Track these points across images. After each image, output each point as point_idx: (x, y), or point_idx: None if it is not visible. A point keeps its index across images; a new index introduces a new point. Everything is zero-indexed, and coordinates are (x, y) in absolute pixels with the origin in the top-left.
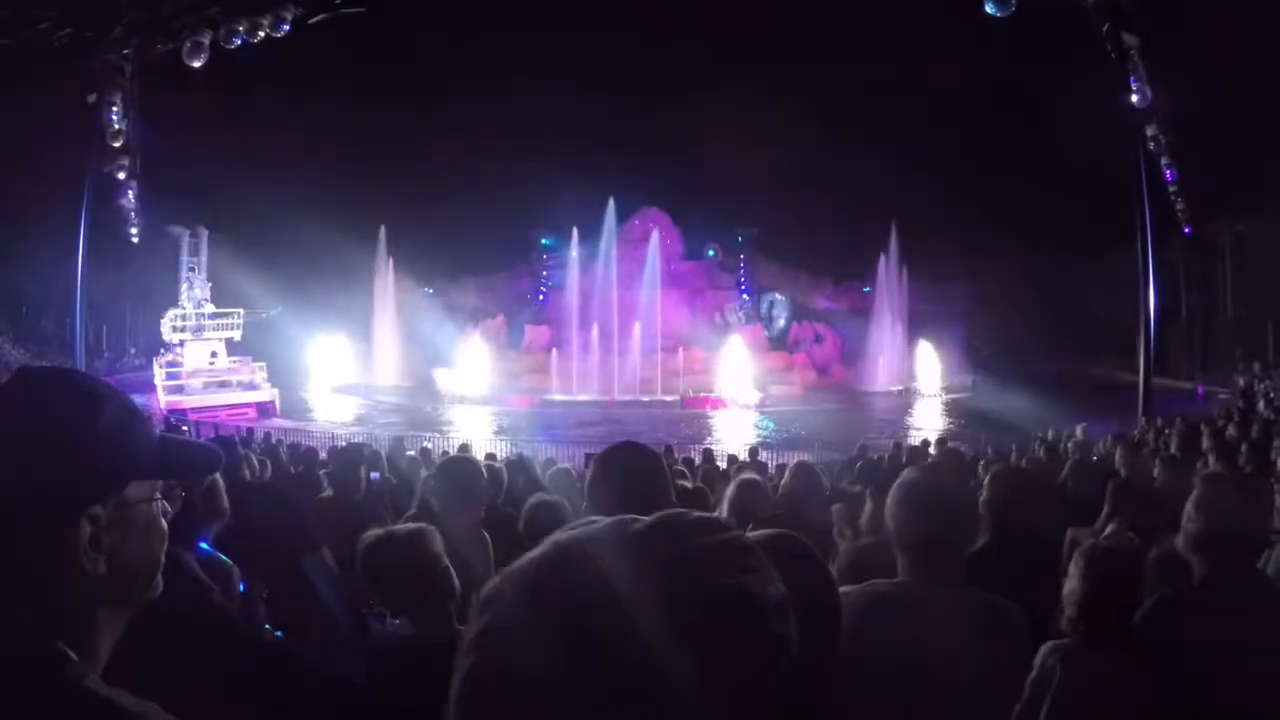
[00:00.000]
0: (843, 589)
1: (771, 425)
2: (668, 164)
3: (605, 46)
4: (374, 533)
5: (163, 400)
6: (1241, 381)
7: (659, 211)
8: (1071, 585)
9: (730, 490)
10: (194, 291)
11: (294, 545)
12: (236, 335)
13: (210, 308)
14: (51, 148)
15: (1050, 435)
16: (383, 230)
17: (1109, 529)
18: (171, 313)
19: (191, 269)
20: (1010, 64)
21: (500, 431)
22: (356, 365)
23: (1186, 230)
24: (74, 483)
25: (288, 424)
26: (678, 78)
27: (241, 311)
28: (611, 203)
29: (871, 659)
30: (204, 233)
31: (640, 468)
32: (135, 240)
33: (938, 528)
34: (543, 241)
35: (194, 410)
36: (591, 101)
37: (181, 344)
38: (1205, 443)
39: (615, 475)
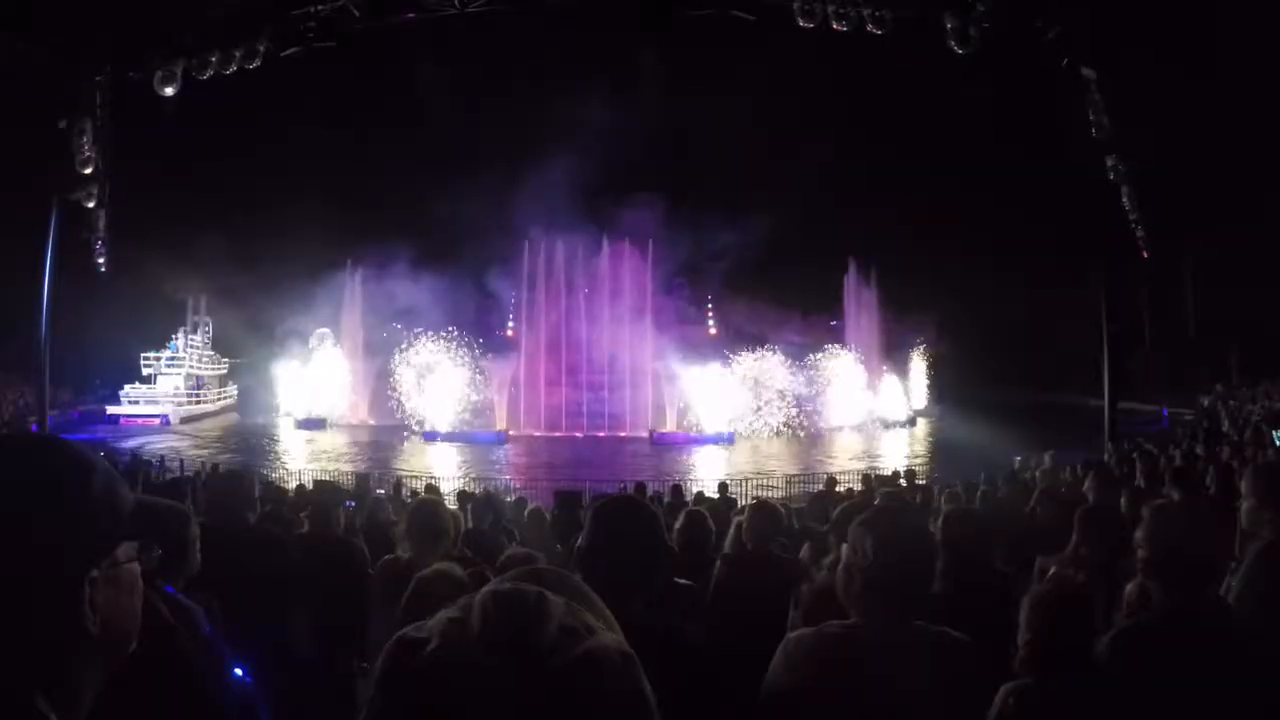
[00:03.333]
0: (798, 632)
1: (740, 459)
2: (637, 198)
3: (577, 79)
4: (429, 571)
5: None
6: (1205, 403)
7: (628, 246)
8: (1021, 628)
9: (678, 523)
10: (175, 342)
11: (275, 593)
12: (198, 372)
13: (176, 353)
14: (18, 173)
15: (1017, 463)
16: (349, 264)
17: (1051, 570)
18: (155, 354)
19: (193, 327)
20: (974, 97)
21: (467, 468)
22: (323, 399)
23: (1147, 256)
24: (79, 548)
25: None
26: (644, 111)
27: (197, 357)
28: (579, 237)
29: (827, 701)
30: (203, 297)
31: (634, 526)
32: (103, 270)
33: (899, 565)
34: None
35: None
36: (561, 135)
37: (154, 376)
38: (1162, 464)
39: (606, 532)
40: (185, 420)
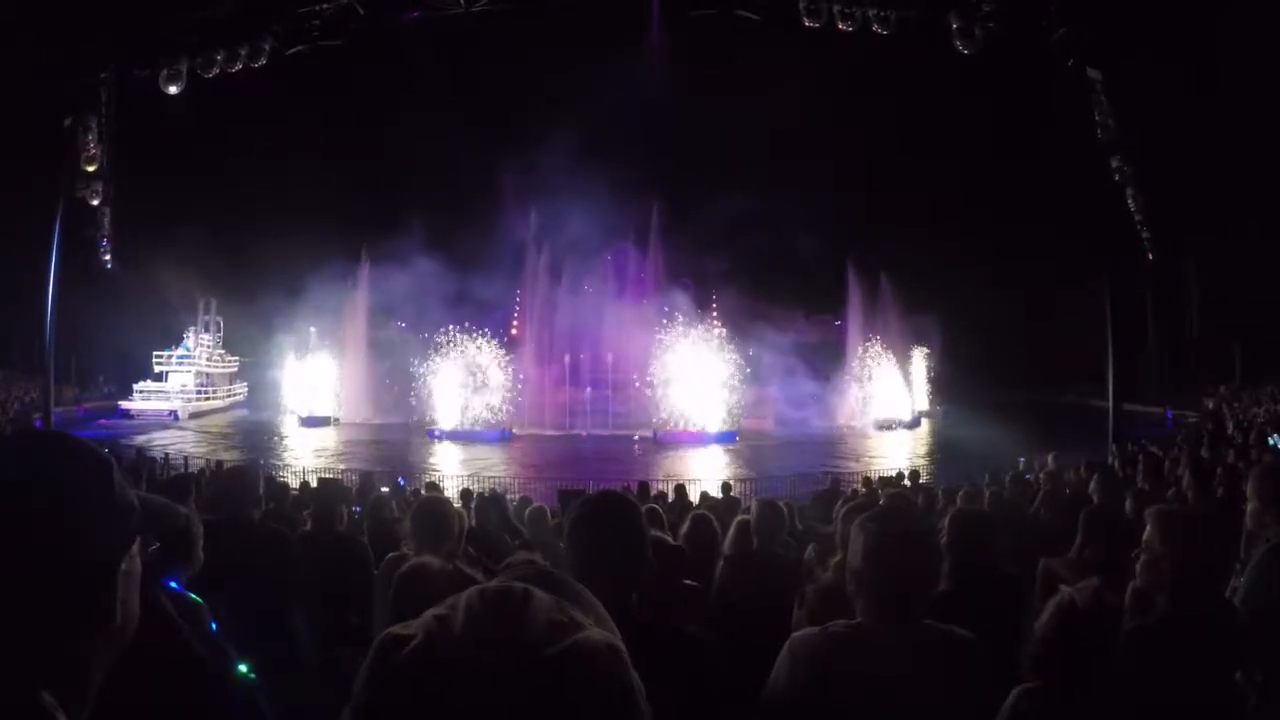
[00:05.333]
0: (802, 631)
1: (743, 459)
2: (642, 197)
3: (580, 78)
4: (415, 562)
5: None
6: (1210, 404)
7: (631, 246)
8: (1036, 631)
9: (684, 525)
10: (187, 341)
11: (279, 589)
12: (208, 370)
13: (188, 352)
14: (24, 171)
15: (1021, 464)
16: (353, 262)
17: (1082, 583)
18: (167, 352)
19: (205, 327)
20: (979, 97)
21: (471, 466)
22: (327, 397)
23: (1152, 258)
24: (113, 546)
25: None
26: (649, 110)
27: (206, 356)
28: (583, 236)
29: (832, 700)
30: (213, 299)
31: (615, 522)
32: (109, 268)
33: (900, 571)
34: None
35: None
36: (564, 133)
37: (165, 374)
38: (1167, 467)
39: (590, 529)
40: (194, 415)
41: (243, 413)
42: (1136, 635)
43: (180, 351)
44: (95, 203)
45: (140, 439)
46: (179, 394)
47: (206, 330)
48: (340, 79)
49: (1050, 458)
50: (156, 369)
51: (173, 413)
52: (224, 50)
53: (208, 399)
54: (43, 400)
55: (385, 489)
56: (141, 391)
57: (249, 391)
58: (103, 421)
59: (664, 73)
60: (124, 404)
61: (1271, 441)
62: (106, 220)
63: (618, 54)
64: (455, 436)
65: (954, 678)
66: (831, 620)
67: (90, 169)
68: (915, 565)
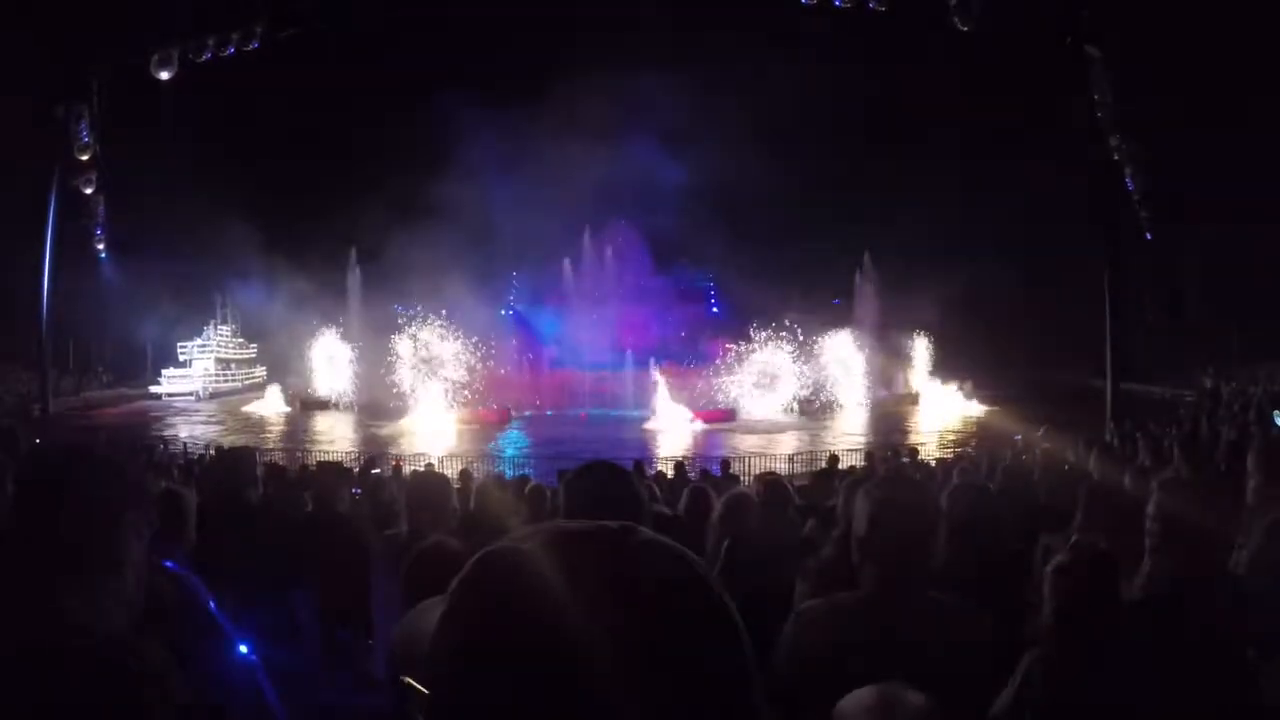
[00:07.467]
0: (808, 603)
1: (742, 438)
2: (640, 176)
3: (572, 61)
4: (435, 539)
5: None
6: (1207, 384)
7: (628, 225)
8: (1046, 596)
9: (719, 506)
10: (207, 331)
11: (278, 569)
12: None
13: (205, 341)
14: (18, 160)
15: (1019, 440)
16: (350, 244)
17: (1074, 539)
18: (193, 341)
19: (222, 319)
20: (979, 76)
21: (470, 447)
22: (327, 380)
23: (1149, 237)
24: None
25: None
26: (644, 90)
27: (221, 344)
28: (583, 223)
29: (841, 671)
30: (227, 293)
31: (609, 492)
32: (103, 255)
33: (905, 538)
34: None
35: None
36: (562, 110)
37: (190, 361)
38: (1166, 442)
39: (584, 499)
40: (214, 395)
41: (254, 397)
42: (1140, 607)
43: (199, 341)
44: (89, 191)
45: (140, 423)
46: (201, 377)
47: (224, 322)
48: (337, 62)
49: (1042, 432)
50: (181, 357)
51: (196, 393)
52: (214, 36)
53: (227, 381)
54: (39, 390)
55: (377, 470)
56: (169, 376)
57: (267, 375)
58: (106, 410)
59: (661, 47)
60: (154, 388)
61: (1277, 415)
62: (100, 208)
63: (616, 25)
64: (453, 418)
65: (960, 647)
66: (833, 593)
67: (84, 158)
68: (920, 533)
